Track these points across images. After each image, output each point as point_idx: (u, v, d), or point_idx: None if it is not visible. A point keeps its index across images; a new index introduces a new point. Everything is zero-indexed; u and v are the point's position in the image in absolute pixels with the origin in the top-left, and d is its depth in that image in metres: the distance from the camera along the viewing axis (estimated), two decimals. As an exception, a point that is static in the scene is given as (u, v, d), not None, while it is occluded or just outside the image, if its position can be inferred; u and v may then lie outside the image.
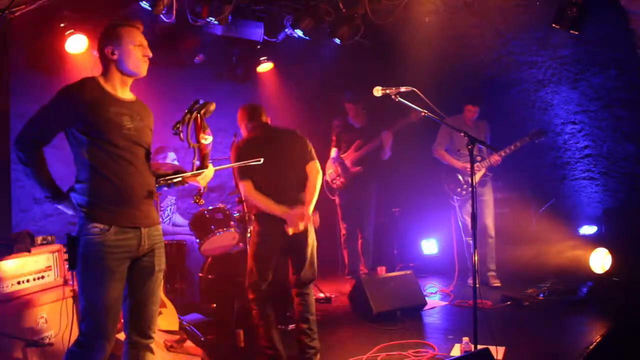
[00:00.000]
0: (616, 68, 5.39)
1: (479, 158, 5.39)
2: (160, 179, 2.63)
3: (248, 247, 3.87)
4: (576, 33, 4.52)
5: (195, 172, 2.59)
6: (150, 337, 2.57)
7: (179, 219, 5.41)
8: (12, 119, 4.39)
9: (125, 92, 2.55)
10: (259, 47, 5.63)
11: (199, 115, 2.54)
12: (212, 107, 2.59)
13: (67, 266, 2.51)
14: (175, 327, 3.81)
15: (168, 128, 6.13)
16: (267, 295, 3.61)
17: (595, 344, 3.75)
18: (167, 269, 4.22)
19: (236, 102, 6.22)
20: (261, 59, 5.84)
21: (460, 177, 5.47)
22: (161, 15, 4.35)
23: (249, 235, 4.41)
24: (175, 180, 2.63)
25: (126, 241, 2.42)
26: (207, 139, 2.57)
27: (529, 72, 6.03)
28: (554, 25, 4.56)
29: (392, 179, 6.47)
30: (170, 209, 5.33)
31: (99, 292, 2.35)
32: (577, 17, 4.43)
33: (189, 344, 3.58)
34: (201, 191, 2.72)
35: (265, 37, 5.44)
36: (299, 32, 5.21)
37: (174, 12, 4.31)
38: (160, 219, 4.46)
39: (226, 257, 4.77)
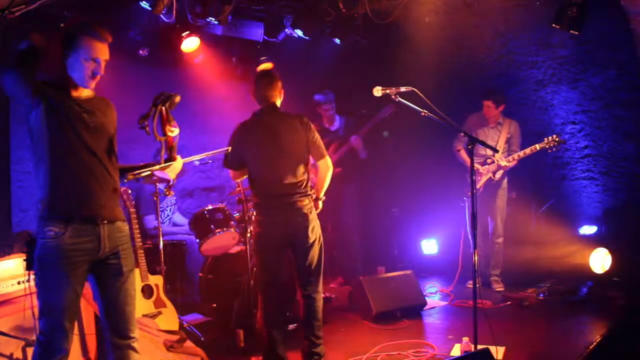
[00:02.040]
0: (616, 68, 5.39)
1: (489, 160, 5.29)
2: (129, 173, 2.63)
3: (252, 241, 3.82)
4: (576, 33, 4.52)
5: (163, 165, 2.61)
6: (131, 337, 2.57)
7: (179, 218, 5.41)
8: (12, 119, 4.39)
9: (81, 90, 2.52)
10: (259, 47, 5.62)
11: (163, 107, 2.56)
12: (177, 99, 2.61)
13: (25, 266, 2.55)
14: (175, 327, 3.82)
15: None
16: (276, 294, 3.51)
17: (595, 344, 3.75)
18: (167, 269, 4.26)
19: (236, 102, 6.25)
20: (261, 59, 5.83)
21: (468, 178, 5.41)
22: (161, 15, 4.35)
23: (249, 235, 4.41)
24: (143, 174, 2.64)
25: (83, 244, 2.42)
26: (173, 132, 2.60)
27: (529, 72, 6.02)
28: (554, 25, 4.56)
29: (392, 179, 6.47)
30: (171, 209, 5.33)
31: (54, 294, 2.39)
32: (577, 17, 4.43)
33: (189, 344, 3.58)
34: (170, 183, 2.76)
35: (265, 37, 5.44)
36: (299, 32, 5.21)
37: (174, 12, 4.31)
38: (161, 219, 4.48)
39: (226, 257, 4.77)
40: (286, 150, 3.45)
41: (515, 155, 5.18)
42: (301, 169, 3.48)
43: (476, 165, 5.32)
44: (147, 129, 2.50)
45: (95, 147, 2.47)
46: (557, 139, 5.04)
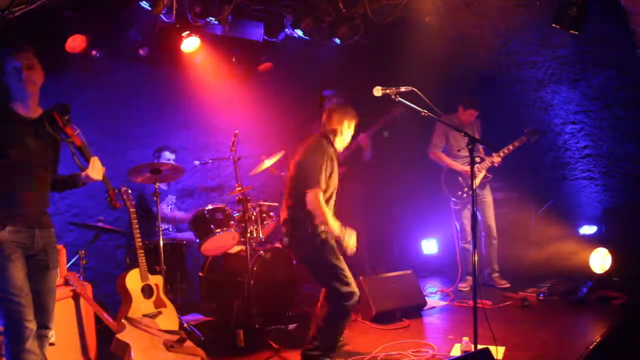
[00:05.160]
0: (616, 68, 5.39)
1: (478, 159, 5.32)
2: (60, 187, 2.97)
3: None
4: (576, 33, 4.51)
5: (82, 168, 2.83)
6: (48, 328, 2.82)
7: (179, 214, 5.38)
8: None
9: (30, 110, 2.79)
10: (259, 47, 5.62)
11: (55, 113, 2.78)
12: (67, 107, 2.84)
13: None
14: (175, 327, 3.82)
15: (167, 128, 6.08)
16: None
17: (595, 344, 3.75)
18: (167, 269, 4.26)
19: (236, 102, 6.25)
20: (261, 59, 5.84)
21: (460, 180, 5.41)
22: (161, 15, 4.35)
23: (248, 234, 4.42)
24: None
25: (21, 239, 2.70)
26: (75, 131, 2.82)
27: (529, 72, 6.02)
28: (554, 25, 4.55)
29: (392, 179, 6.47)
30: (170, 208, 5.33)
31: (4, 277, 2.61)
32: (577, 17, 4.42)
33: (189, 344, 3.58)
34: (110, 192, 2.92)
35: (265, 37, 5.44)
36: (299, 32, 5.21)
37: (174, 12, 4.31)
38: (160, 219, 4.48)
39: (226, 257, 4.77)
40: (292, 178, 3.65)
41: (506, 150, 5.26)
42: (300, 197, 3.53)
43: (463, 167, 5.34)
44: (47, 131, 2.77)
45: (32, 167, 2.75)
46: (535, 129, 5.24)
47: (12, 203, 2.69)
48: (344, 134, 3.70)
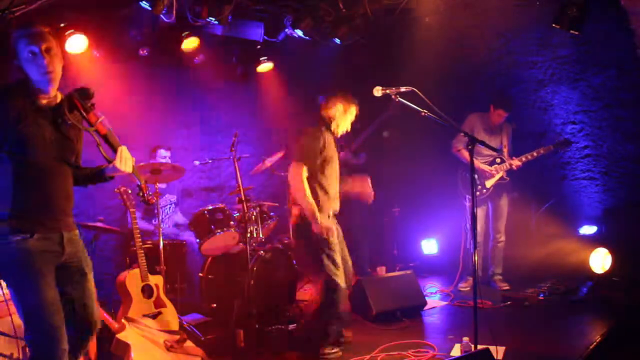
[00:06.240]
0: (616, 68, 5.39)
1: (498, 160, 5.33)
2: (88, 181, 2.70)
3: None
4: (576, 33, 4.52)
5: (112, 160, 2.50)
6: (97, 328, 2.61)
7: (180, 218, 5.39)
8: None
9: (50, 98, 2.44)
10: (259, 47, 5.63)
11: (74, 97, 2.42)
12: (90, 91, 2.47)
13: None
14: (175, 327, 3.81)
15: (167, 128, 6.08)
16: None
17: (595, 344, 3.75)
18: (167, 269, 4.26)
19: (236, 102, 6.26)
20: (261, 59, 5.84)
21: (476, 178, 5.40)
22: (161, 15, 4.35)
23: (248, 234, 4.42)
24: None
25: (49, 246, 2.41)
26: (100, 118, 2.46)
27: (529, 72, 6.02)
28: (554, 25, 4.55)
29: (392, 179, 6.46)
30: (170, 207, 5.32)
31: (34, 293, 2.31)
32: (577, 17, 4.42)
33: (189, 344, 3.58)
34: (139, 184, 2.62)
35: (265, 37, 5.44)
36: (299, 32, 5.21)
37: (174, 12, 4.31)
38: (160, 218, 4.48)
39: (226, 257, 4.77)
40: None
41: (529, 155, 5.24)
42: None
43: (483, 166, 5.33)
44: (67, 120, 2.41)
45: (55, 162, 2.45)
46: (567, 140, 5.30)
47: (38, 205, 2.39)
48: (340, 120, 3.79)
